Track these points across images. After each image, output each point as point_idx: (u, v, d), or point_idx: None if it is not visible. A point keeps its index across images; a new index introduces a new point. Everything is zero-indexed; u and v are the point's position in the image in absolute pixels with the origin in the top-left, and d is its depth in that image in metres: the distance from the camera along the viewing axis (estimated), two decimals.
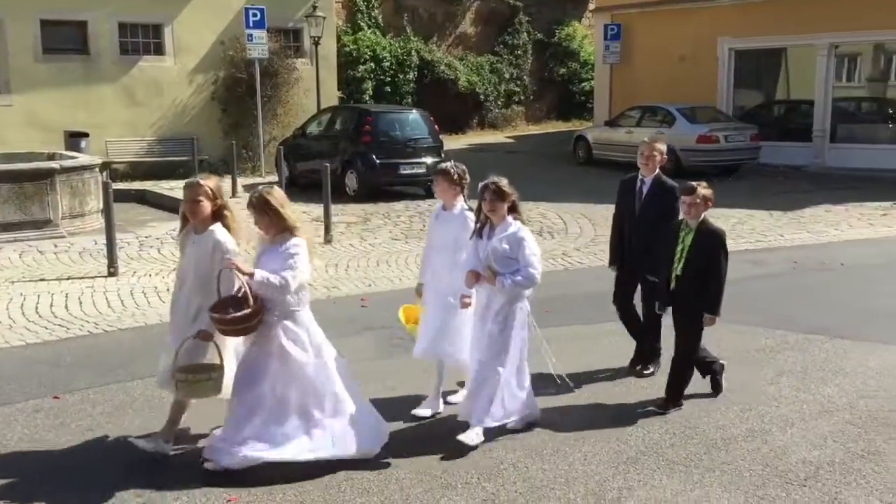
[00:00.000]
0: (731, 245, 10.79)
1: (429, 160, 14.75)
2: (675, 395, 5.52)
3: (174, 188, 15.97)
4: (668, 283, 5.53)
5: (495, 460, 4.79)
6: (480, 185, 4.99)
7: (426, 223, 12.41)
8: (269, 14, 16.90)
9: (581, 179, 17.38)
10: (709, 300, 5.38)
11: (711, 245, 5.40)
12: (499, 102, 26.71)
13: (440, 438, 5.01)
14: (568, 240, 11.40)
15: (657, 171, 6.05)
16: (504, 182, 4.96)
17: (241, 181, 16.05)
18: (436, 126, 15.61)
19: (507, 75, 26.76)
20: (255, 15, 16.69)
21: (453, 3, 26.14)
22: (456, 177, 5.33)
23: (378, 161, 14.52)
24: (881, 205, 13.91)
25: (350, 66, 22.72)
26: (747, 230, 12.01)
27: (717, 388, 5.76)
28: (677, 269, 5.45)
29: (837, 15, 17.53)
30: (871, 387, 5.84)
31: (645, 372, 6.14)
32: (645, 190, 6.07)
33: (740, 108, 20.15)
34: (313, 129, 16.41)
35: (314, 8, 18.46)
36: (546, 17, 28.23)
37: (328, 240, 11.07)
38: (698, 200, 5.34)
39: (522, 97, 27.58)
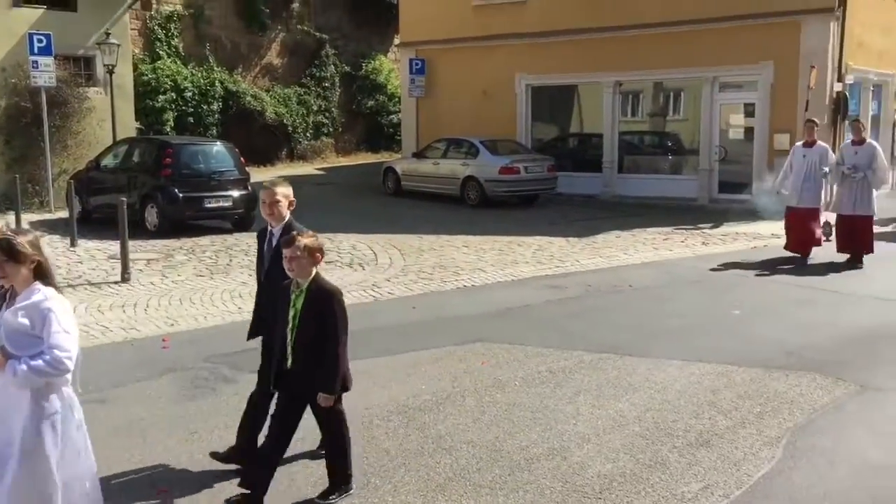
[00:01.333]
0: (532, 271, 11.46)
1: (235, 193, 14.48)
2: (340, 478, 4.70)
3: None
4: (283, 358, 4.58)
5: (302, 497, 4.71)
6: None
7: (233, 258, 12.15)
8: (56, 41, 15.87)
9: (391, 210, 17.62)
10: (323, 375, 4.47)
11: (325, 307, 4.44)
12: (308, 134, 26.60)
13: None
14: (378, 271, 11.49)
15: (287, 217, 5.00)
16: (22, 239, 3.69)
17: (28, 217, 14.91)
18: (242, 158, 15.29)
19: (315, 107, 26.73)
20: (40, 41, 15.62)
21: (258, 34, 25.82)
22: None
23: (180, 194, 13.99)
24: (663, 230, 15.15)
25: (149, 96, 21.79)
26: (546, 256, 12.66)
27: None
28: (291, 340, 4.51)
29: (620, 55, 19.04)
30: (657, 400, 6.31)
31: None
32: (275, 243, 4.95)
33: (538, 141, 21.30)
34: (109, 161, 15.55)
35: (107, 35, 17.57)
36: (352, 50, 28.56)
37: (125, 278, 10.48)
38: (299, 253, 4.37)
39: (331, 129, 27.64)
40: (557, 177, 18.87)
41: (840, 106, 17.33)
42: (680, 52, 18.19)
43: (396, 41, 26.82)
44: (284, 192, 5.02)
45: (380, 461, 5.20)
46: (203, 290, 10.22)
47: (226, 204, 14.41)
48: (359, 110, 28.35)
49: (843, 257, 11.81)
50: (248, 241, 13.51)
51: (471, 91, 21.32)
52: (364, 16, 28.59)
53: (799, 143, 12.39)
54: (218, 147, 15.36)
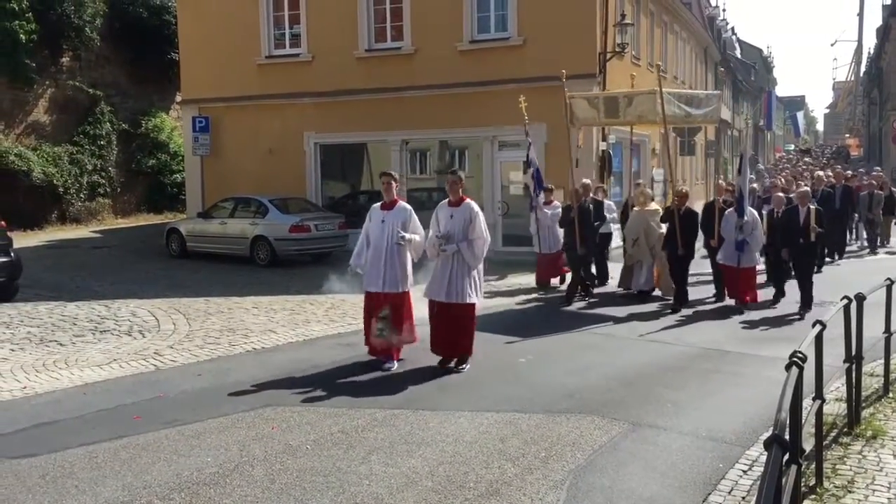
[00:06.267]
0: (324, 330, 11.29)
1: None
2: None
3: None
4: None
5: None
6: None
7: None
8: None
9: (175, 273, 16.81)
10: None
11: None
12: (82, 195, 24.94)
13: None
14: (160, 337, 10.84)
15: None
16: None
17: None
18: (2, 222, 14.00)
19: (89, 166, 25.16)
20: None
21: (23, 90, 24.01)
22: None
23: None
24: None
25: None
26: (339, 314, 12.57)
27: None
28: None
29: (406, 115, 19.60)
30: (448, 453, 6.36)
31: None
32: None
33: (329, 198, 21.31)
34: None
35: None
36: (131, 107, 27.34)
37: None
38: None
39: (109, 189, 26.11)
40: (349, 234, 18.87)
41: (605, 163, 18.83)
42: (462, 113, 19.03)
43: (178, 98, 25.98)
44: None
45: None
46: None
47: None
48: (139, 169, 27.07)
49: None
50: (10, 311, 12.30)
51: (258, 149, 21.05)
52: (143, 71, 27.52)
53: (376, 205, 9.40)
54: None
